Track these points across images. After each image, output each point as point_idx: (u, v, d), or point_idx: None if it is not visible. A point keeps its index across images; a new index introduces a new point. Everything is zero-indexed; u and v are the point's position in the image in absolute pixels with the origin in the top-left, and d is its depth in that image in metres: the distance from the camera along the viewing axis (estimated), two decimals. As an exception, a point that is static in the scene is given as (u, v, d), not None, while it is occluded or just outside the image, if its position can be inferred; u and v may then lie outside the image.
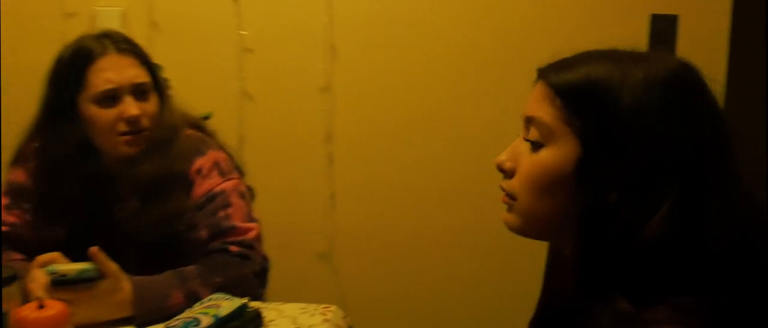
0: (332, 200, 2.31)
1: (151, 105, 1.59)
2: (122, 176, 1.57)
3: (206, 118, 2.17)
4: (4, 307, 1.19)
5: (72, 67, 1.56)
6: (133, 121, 1.54)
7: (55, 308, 1.24)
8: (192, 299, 1.44)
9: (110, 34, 1.61)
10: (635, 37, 2.08)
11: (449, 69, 2.20)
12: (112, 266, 1.40)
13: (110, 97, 1.53)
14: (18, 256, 1.56)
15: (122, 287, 1.41)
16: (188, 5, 2.26)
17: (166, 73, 2.19)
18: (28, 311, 1.22)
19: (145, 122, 1.56)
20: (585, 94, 0.85)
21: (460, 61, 2.19)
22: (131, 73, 1.56)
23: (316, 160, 2.30)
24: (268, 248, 2.11)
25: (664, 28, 2.13)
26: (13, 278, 1.30)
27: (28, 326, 1.21)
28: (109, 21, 2.22)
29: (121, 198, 1.56)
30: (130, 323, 1.41)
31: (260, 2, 2.24)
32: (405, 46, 2.22)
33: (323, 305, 1.55)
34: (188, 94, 2.18)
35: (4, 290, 1.25)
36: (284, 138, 2.31)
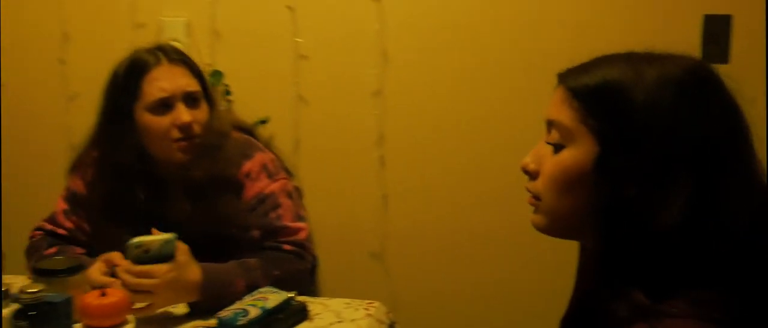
0: (384, 201, 2.33)
1: (202, 112, 1.64)
2: (175, 181, 1.62)
3: (263, 122, 2.26)
4: (72, 294, 1.29)
5: (128, 79, 1.62)
6: (185, 128, 1.59)
7: (116, 295, 1.34)
8: (252, 288, 1.50)
9: (163, 47, 1.67)
10: (687, 38, 2.04)
11: (498, 73, 2.20)
12: (184, 248, 1.46)
13: (164, 105, 1.59)
14: (80, 250, 1.66)
15: (193, 269, 1.46)
16: (248, 15, 2.31)
17: (227, 79, 2.30)
18: (92, 298, 1.33)
19: (196, 129, 1.61)
20: (600, 95, 0.88)
21: (509, 64, 2.19)
22: (182, 81, 1.61)
23: (369, 162, 2.32)
24: (322, 247, 2.16)
25: (717, 28, 2.09)
26: (80, 268, 1.41)
27: (92, 312, 1.31)
28: (175, 30, 2.31)
29: (175, 201, 1.61)
30: (195, 308, 1.47)
31: (315, 11, 2.27)
32: (454, 51, 2.22)
33: (367, 301, 1.59)
34: (247, 99, 2.29)
35: (71, 279, 1.36)
36: (338, 141, 2.33)
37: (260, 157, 1.69)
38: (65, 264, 1.40)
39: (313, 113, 2.33)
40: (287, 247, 1.62)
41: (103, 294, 1.34)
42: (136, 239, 1.39)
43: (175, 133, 1.59)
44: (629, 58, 0.91)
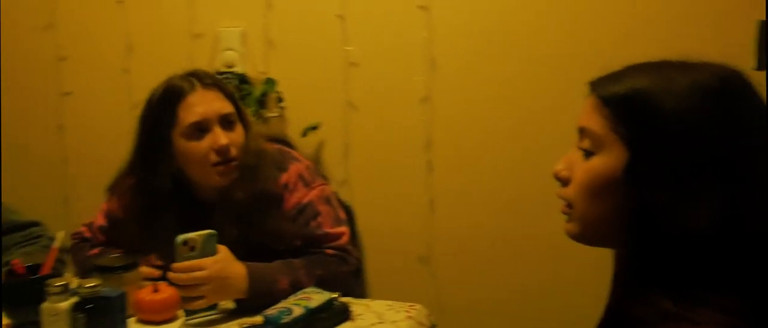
0: (431, 205, 2.33)
1: (237, 135, 1.65)
2: (217, 206, 1.64)
3: (314, 128, 2.32)
4: (126, 289, 1.36)
5: (163, 105, 1.63)
6: (222, 151, 1.60)
7: (167, 292, 1.41)
8: (296, 287, 1.54)
9: (196, 72, 1.68)
10: (741, 43, 1.99)
11: (543, 79, 2.18)
12: (224, 247, 1.51)
13: (200, 129, 1.60)
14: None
15: (237, 264, 1.51)
16: (300, 24, 2.35)
17: (280, 87, 2.36)
18: (145, 294, 1.40)
19: (233, 151, 1.62)
20: (629, 103, 0.89)
21: (554, 71, 2.16)
22: (217, 105, 1.62)
23: (416, 167, 2.32)
24: (370, 250, 2.20)
25: (772, 34, 2.04)
26: (134, 265, 1.49)
27: (145, 307, 1.39)
28: (231, 40, 2.38)
29: (220, 227, 1.57)
30: (241, 305, 1.53)
31: (364, 20, 2.29)
32: (499, 59, 2.21)
33: (408, 304, 1.61)
34: (299, 106, 2.35)
35: (126, 275, 1.44)
36: (386, 146, 2.34)
37: (295, 168, 1.71)
38: (121, 262, 1.47)
39: (363, 119, 2.35)
40: (330, 252, 1.65)
41: (156, 290, 1.41)
42: (182, 236, 1.45)
43: (213, 157, 1.61)
44: (660, 66, 0.92)
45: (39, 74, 2.65)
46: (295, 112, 2.36)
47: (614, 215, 0.91)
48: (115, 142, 2.55)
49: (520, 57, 2.20)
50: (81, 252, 1.74)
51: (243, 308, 1.53)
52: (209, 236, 1.48)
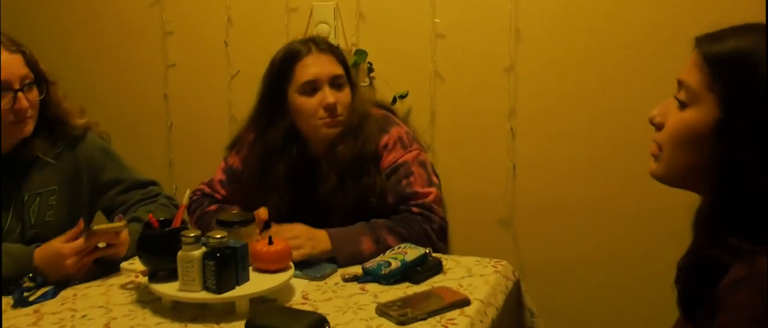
0: (513, 170, 2.38)
1: (345, 95, 1.83)
2: (323, 158, 1.84)
3: (403, 96, 2.42)
4: (246, 241, 1.52)
5: (283, 65, 1.84)
6: (330, 108, 1.79)
7: (280, 244, 1.57)
8: (380, 243, 1.70)
9: (314, 38, 1.88)
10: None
11: (625, 49, 2.19)
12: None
13: (312, 87, 1.80)
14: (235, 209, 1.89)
15: (319, 234, 1.69)
16: None
17: (370, 58, 2.47)
18: (262, 246, 1.56)
19: (340, 109, 1.80)
20: (729, 64, 0.96)
21: (635, 40, 2.18)
22: (329, 68, 1.82)
23: (500, 134, 2.37)
24: (454, 212, 2.31)
25: None
26: (251, 221, 1.65)
27: (262, 257, 1.54)
28: (324, 14, 2.47)
29: (323, 177, 1.82)
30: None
31: None
32: (582, 30, 2.24)
33: (495, 260, 1.73)
34: (388, 75, 2.46)
35: (244, 230, 1.61)
36: (471, 114, 2.41)
37: (396, 131, 1.86)
38: (239, 217, 1.64)
39: (449, 88, 2.42)
40: (416, 210, 1.79)
41: (271, 243, 1.57)
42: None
43: (321, 113, 1.80)
44: (762, 30, 0.97)
45: (147, 48, 2.81)
46: (385, 82, 2.45)
47: (699, 165, 0.99)
48: (215, 110, 2.77)
49: (600, 28, 2.22)
50: (200, 208, 1.93)
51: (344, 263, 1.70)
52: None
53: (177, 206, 1.92)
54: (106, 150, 1.90)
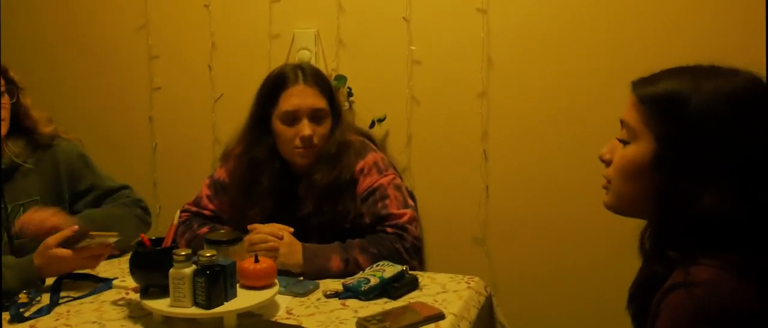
0: (486, 191, 2.46)
1: (323, 127, 1.90)
2: (301, 182, 1.92)
3: (381, 120, 2.51)
4: (234, 259, 1.60)
5: (271, 89, 1.92)
6: (305, 140, 1.87)
7: (266, 262, 1.64)
8: (349, 263, 1.78)
9: (304, 68, 1.93)
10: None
11: (589, 75, 2.29)
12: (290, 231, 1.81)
13: (292, 118, 1.88)
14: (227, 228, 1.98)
15: (297, 247, 1.78)
16: (368, 26, 2.51)
17: (350, 82, 2.55)
18: (248, 264, 1.63)
19: (315, 140, 1.88)
20: (660, 103, 1.07)
21: (599, 68, 2.27)
22: (311, 100, 1.88)
23: (473, 156, 2.45)
24: (430, 231, 2.38)
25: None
26: (238, 240, 1.74)
27: (248, 274, 1.61)
28: (305, 40, 2.56)
29: (302, 200, 1.91)
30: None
31: (427, 22, 2.44)
32: (551, 58, 2.33)
33: (468, 276, 1.81)
34: (366, 99, 2.54)
35: (232, 248, 1.68)
36: (446, 137, 2.49)
37: (372, 157, 1.95)
38: (228, 236, 1.72)
39: (425, 112, 2.50)
40: (390, 230, 1.86)
41: (257, 261, 1.64)
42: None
43: (297, 142, 1.88)
44: (691, 72, 1.08)
45: (133, 71, 2.88)
46: (363, 106, 2.53)
47: (642, 194, 1.10)
48: (199, 132, 2.84)
49: (568, 56, 2.33)
50: (189, 231, 2.00)
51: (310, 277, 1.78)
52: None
53: (143, 208, 2.04)
54: (84, 157, 2.00)
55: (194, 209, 2.06)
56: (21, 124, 1.87)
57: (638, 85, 1.13)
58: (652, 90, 1.09)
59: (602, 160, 1.19)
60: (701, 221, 1.01)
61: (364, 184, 1.92)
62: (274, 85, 1.92)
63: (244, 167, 1.95)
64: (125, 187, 2.07)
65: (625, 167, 1.12)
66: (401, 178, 2.03)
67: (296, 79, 1.90)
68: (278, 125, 1.90)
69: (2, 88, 1.79)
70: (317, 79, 1.94)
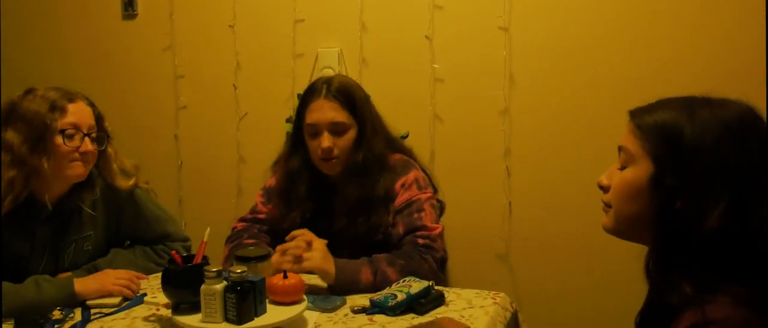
0: (509, 207, 2.48)
1: (345, 140, 1.94)
2: (337, 196, 1.98)
3: (404, 137, 2.51)
4: (263, 276, 1.63)
5: (302, 101, 1.99)
6: (325, 151, 1.93)
7: (294, 278, 1.65)
8: (379, 276, 1.80)
9: (332, 80, 1.97)
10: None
11: (608, 92, 2.31)
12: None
13: (314, 131, 1.94)
14: (267, 240, 2.04)
15: (330, 256, 1.80)
16: (391, 45, 2.54)
17: (373, 100, 2.56)
18: (277, 280, 1.64)
19: (335, 152, 1.93)
20: (658, 129, 1.12)
21: (618, 85, 2.29)
22: (330, 114, 1.92)
23: (496, 172, 2.47)
24: (454, 247, 2.38)
25: None
26: (267, 256, 1.76)
27: (277, 290, 1.63)
28: (329, 59, 2.59)
29: (336, 213, 1.97)
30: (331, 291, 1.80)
31: (450, 40, 2.47)
32: (572, 74, 2.35)
33: (494, 292, 1.82)
34: (390, 117, 2.51)
35: (260, 265, 1.71)
36: (469, 154, 2.51)
37: (414, 174, 2.00)
38: (257, 253, 1.75)
39: (447, 129, 2.53)
40: (421, 241, 1.89)
41: (285, 277, 1.66)
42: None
43: (319, 153, 1.94)
44: (687, 101, 1.14)
45: (160, 90, 2.94)
46: (387, 123, 2.55)
47: (641, 215, 1.14)
48: (224, 150, 2.88)
49: (589, 73, 2.35)
50: (238, 239, 2.06)
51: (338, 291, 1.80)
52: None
53: (166, 257, 1.97)
54: (138, 204, 2.02)
55: (250, 216, 2.13)
56: (100, 173, 1.94)
57: (636, 114, 1.18)
58: (649, 119, 1.14)
59: (600, 187, 1.23)
60: (701, 241, 1.04)
61: (404, 197, 1.96)
62: (304, 98, 1.99)
63: (283, 176, 2.04)
64: (166, 236, 2.07)
65: (624, 188, 1.16)
66: (438, 199, 2.08)
67: (319, 93, 1.95)
68: (306, 137, 1.98)
69: (93, 135, 1.86)
70: (340, 92, 1.96)
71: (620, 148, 1.19)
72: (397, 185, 1.97)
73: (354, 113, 1.97)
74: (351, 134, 1.97)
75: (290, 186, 2.02)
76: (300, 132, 2.00)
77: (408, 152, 2.13)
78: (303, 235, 1.82)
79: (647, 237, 1.14)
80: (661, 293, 1.10)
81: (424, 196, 1.97)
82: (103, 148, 1.89)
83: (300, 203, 2.01)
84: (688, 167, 1.07)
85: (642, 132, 1.14)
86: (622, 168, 1.18)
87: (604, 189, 1.22)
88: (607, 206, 1.21)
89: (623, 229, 1.19)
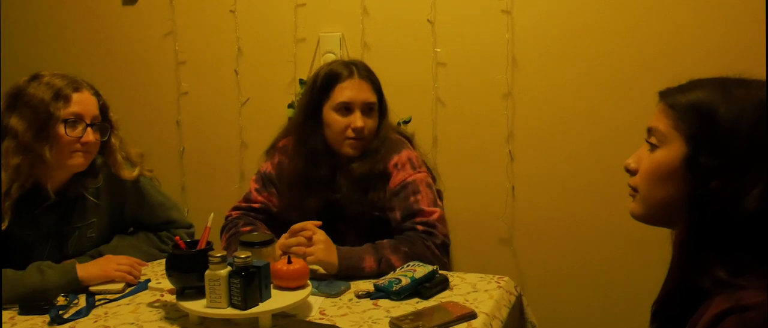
0: (512, 191, 2.49)
1: (372, 120, 1.98)
2: (340, 171, 1.99)
3: (407, 121, 2.53)
4: (268, 261, 1.63)
5: (324, 83, 1.98)
6: (357, 130, 1.94)
7: (298, 263, 1.67)
8: (382, 263, 1.81)
9: (356, 63, 2.01)
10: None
11: (612, 76, 2.30)
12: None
13: (345, 108, 1.95)
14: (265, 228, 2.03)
15: (333, 247, 1.81)
16: (393, 29, 2.54)
17: None
18: (281, 265, 1.65)
19: (365, 133, 1.95)
20: (692, 107, 1.08)
21: (622, 68, 2.29)
22: (364, 94, 1.96)
23: (499, 157, 2.47)
24: (457, 232, 2.40)
25: None
26: (272, 242, 1.76)
27: (282, 275, 1.63)
28: (331, 44, 2.59)
29: (340, 186, 1.97)
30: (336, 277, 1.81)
31: (452, 24, 2.46)
32: (575, 58, 2.34)
33: (498, 276, 1.82)
34: (392, 102, 2.51)
35: (265, 250, 1.71)
36: (471, 138, 2.51)
37: (407, 153, 2.00)
38: (261, 238, 1.75)
39: (450, 113, 2.52)
40: (420, 227, 1.89)
41: (289, 262, 1.67)
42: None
43: (350, 133, 1.95)
44: (721, 81, 1.10)
45: (161, 76, 2.93)
46: (389, 108, 2.54)
47: (673, 199, 1.10)
48: (226, 135, 2.87)
49: (593, 56, 2.34)
50: (234, 228, 2.04)
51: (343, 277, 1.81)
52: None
53: (170, 243, 1.94)
54: (141, 191, 2.01)
55: (244, 204, 2.11)
56: (102, 162, 1.93)
57: (668, 94, 1.14)
58: (682, 98, 1.11)
59: (627, 170, 1.19)
60: (737, 223, 1.01)
61: (398, 178, 1.96)
62: (328, 79, 1.98)
63: (301, 159, 2.00)
64: (171, 222, 2.07)
65: (655, 171, 1.12)
66: (433, 177, 2.07)
67: (350, 73, 1.97)
68: (332, 116, 1.96)
69: (97, 125, 1.84)
70: (369, 74, 2.01)
71: (650, 130, 1.15)
72: (390, 163, 1.98)
73: (380, 96, 2.02)
74: (376, 117, 2.01)
75: (310, 170, 2.00)
76: (318, 113, 1.99)
77: (401, 133, 2.14)
78: (303, 230, 1.82)
79: (678, 221, 1.11)
80: (689, 277, 1.07)
81: (418, 176, 1.97)
82: (105, 138, 1.88)
83: (321, 186, 1.98)
84: (724, 147, 1.04)
85: (675, 111, 1.11)
86: (653, 148, 1.13)
87: (632, 172, 1.18)
88: (634, 190, 1.17)
89: (653, 213, 1.15)
